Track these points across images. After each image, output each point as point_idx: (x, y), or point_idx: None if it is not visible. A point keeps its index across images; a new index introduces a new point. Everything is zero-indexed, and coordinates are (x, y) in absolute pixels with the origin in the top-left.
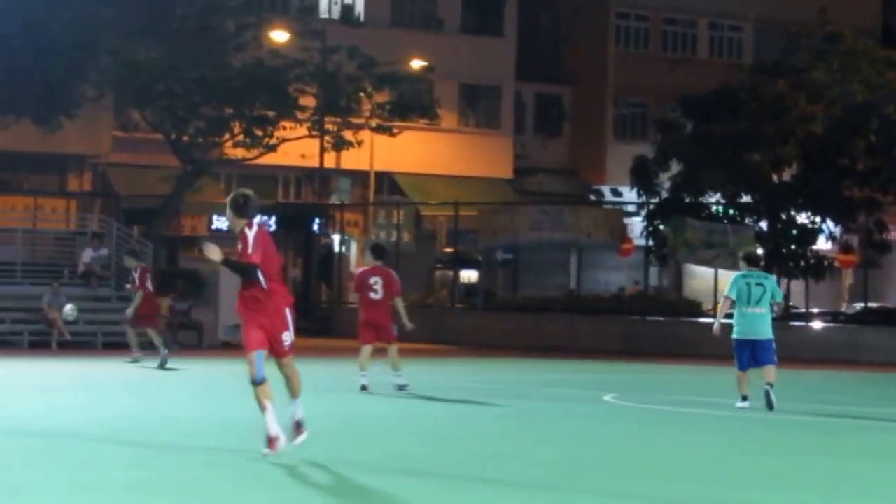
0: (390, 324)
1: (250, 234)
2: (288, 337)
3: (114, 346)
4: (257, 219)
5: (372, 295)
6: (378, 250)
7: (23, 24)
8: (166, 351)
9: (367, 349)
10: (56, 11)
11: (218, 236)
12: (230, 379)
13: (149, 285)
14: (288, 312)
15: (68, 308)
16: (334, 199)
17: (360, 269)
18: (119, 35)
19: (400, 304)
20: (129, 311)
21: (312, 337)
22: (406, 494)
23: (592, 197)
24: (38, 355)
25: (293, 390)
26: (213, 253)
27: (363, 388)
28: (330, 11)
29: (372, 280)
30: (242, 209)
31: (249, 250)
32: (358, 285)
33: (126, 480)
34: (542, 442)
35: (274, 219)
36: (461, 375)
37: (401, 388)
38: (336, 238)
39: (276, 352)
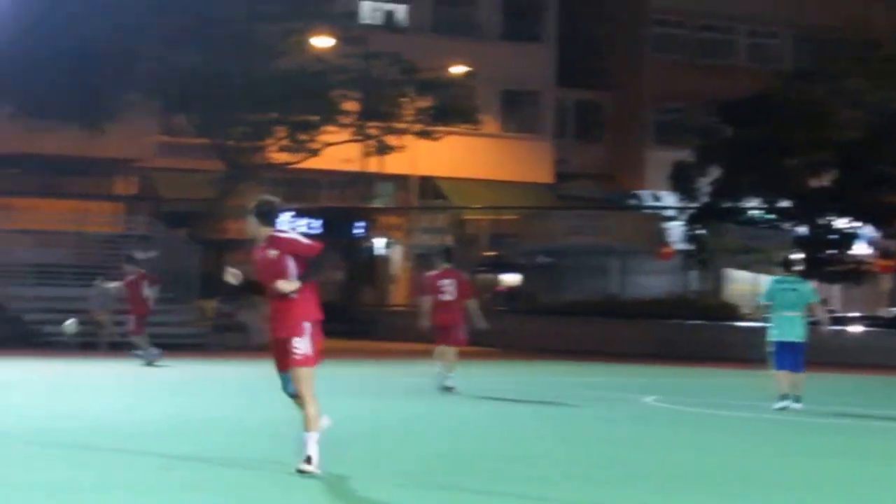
0: (461, 325)
1: (292, 234)
2: (300, 344)
3: (162, 347)
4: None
5: (443, 297)
6: (448, 253)
7: (66, 30)
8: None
9: (443, 350)
10: (99, 18)
11: (251, 240)
12: (270, 381)
13: (144, 291)
14: (307, 325)
15: (69, 322)
16: (376, 203)
17: (431, 273)
18: (162, 41)
19: (474, 305)
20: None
21: (354, 339)
22: (440, 494)
23: (632, 202)
24: (88, 356)
25: (304, 419)
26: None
27: (447, 389)
28: (372, 18)
29: (443, 282)
30: (268, 217)
31: (307, 241)
32: (428, 288)
33: (169, 481)
34: (581, 443)
35: (319, 222)
36: (501, 377)
37: (447, 389)
38: (378, 241)
39: (289, 360)
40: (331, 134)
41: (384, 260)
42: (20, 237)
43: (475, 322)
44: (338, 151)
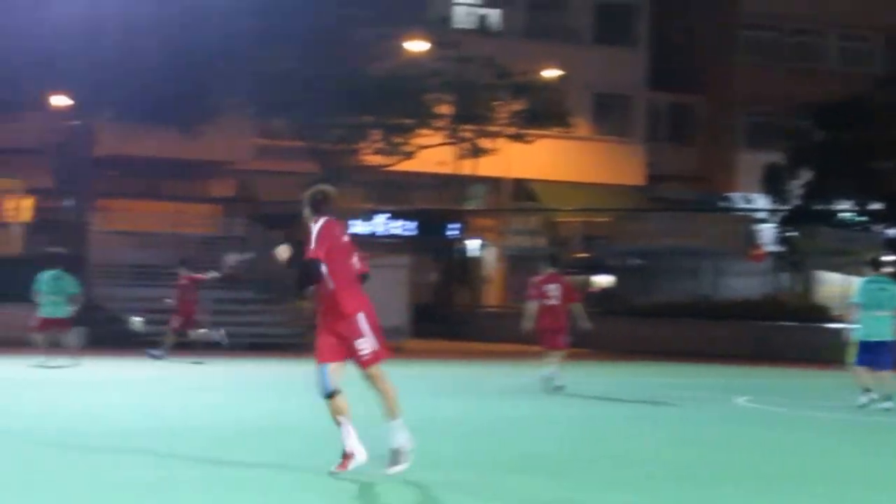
0: (566, 328)
1: (315, 227)
2: (365, 344)
3: (259, 347)
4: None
5: (549, 301)
6: (554, 258)
7: (165, 34)
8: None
9: (551, 353)
10: (197, 22)
11: (355, 241)
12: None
13: (195, 294)
14: (361, 318)
15: (136, 320)
16: (470, 205)
17: (536, 277)
18: (259, 45)
19: (579, 308)
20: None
21: (449, 339)
22: (537, 493)
23: (723, 204)
24: (184, 356)
25: (388, 410)
26: (283, 253)
27: (557, 388)
28: (466, 22)
29: (549, 287)
30: (320, 206)
31: (315, 245)
32: (535, 292)
33: (257, 481)
34: (674, 443)
35: (414, 224)
36: (594, 378)
37: (550, 385)
38: (472, 243)
39: (358, 362)
40: (425, 137)
41: (478, 261)
42: (119, 238)
43: (580, 324)
44: (432, 154)
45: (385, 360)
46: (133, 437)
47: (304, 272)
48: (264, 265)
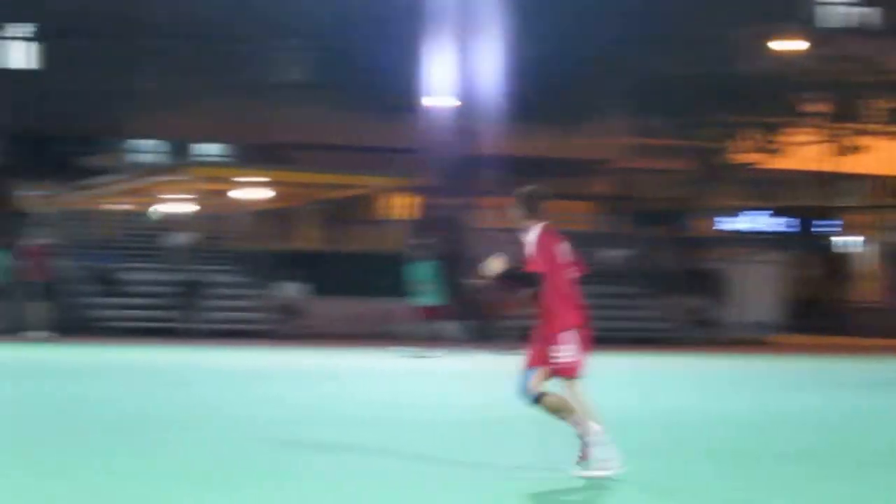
0: None
1: (531, 237)
2: (559, 352)
3: (642, 341)
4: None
5: None
6: None
7: (549, 36)
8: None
9: None
10: (581, 25)
11: (723, 238)
12: (733, 375)
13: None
14: (563, 336)
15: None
16: (847, 202)
17: None
18: (638, 46)
19: None
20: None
21: (826, 335)
22: (807, 484)
23: None
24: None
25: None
26: (496, 265)
27: None
28: (841, 21)
29: None
30: (525, 206)
31: (536, 255)
32: None
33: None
34: None
35: (791, 220)
36: None
37: None
38: (851, 239)
39: (552, 368)
40: (800, 134)
41: (856, 257)
42: (500, 236)
43: None
44: (808, 151)
45: (572, 377)
46: (477, 426)
47: (520, 282)
48: (643, 262)
